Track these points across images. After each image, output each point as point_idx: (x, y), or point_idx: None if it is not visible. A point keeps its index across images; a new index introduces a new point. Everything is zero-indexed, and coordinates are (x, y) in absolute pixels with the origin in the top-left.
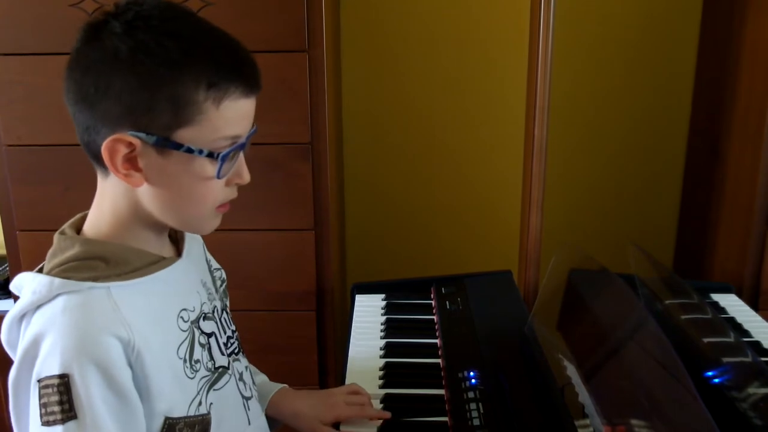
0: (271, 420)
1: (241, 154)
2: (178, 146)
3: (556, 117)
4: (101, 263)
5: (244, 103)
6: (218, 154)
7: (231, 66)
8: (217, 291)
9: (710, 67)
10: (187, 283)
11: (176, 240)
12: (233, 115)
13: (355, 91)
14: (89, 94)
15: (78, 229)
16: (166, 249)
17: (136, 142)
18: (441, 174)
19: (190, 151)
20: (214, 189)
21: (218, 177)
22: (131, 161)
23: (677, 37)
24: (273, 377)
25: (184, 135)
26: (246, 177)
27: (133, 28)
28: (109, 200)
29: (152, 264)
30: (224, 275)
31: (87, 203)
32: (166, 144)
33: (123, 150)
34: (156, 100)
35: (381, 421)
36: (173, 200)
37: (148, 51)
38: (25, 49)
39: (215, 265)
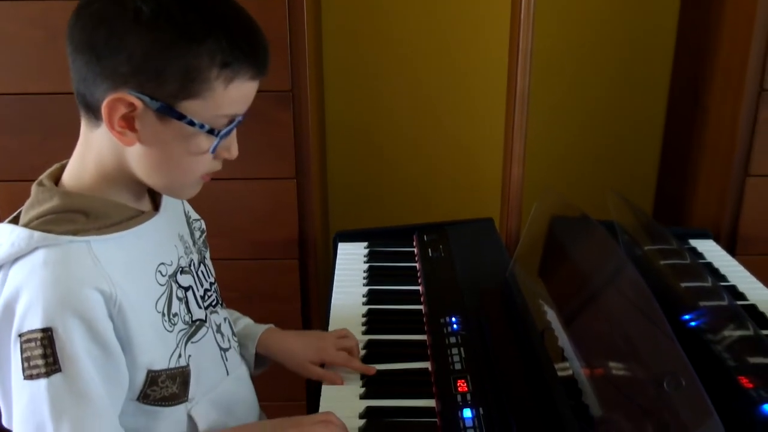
0: (259, 359)
1: (234, 131)
2: (181, 117)
3: (538, 67)
4: (81, 216)
5: (251, 86)
6: (218, 132)
7: (247, 49)
8: (195, 243)
9: (693, 16)
10: (165, 237)
11: (153, 193)
12: (238, 95)
13: (337, 38)
14: (98, 47)
15: (56, 179)
16: (144, 203)
17: (139, 103)
18: (423, 121)
19: (191, 123)
20: (203, 161)
21: (212, 153)
22: (128, 120)
23: None
24: None
25: (187, 106)
26: (234, 153)
27: None
28: (94, 152)
29: (131, 218)
30: (203, 225)
31: (65, 153)
32: (168, 112)
33: (123, 109)
34: (168, 68)
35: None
36: (161, 165)
37: (170, 18)
38: None
39: (194, 216)
